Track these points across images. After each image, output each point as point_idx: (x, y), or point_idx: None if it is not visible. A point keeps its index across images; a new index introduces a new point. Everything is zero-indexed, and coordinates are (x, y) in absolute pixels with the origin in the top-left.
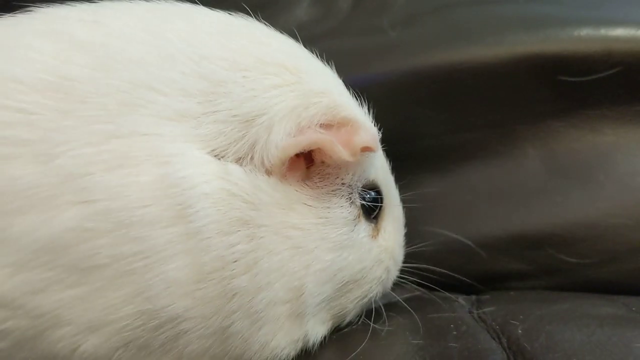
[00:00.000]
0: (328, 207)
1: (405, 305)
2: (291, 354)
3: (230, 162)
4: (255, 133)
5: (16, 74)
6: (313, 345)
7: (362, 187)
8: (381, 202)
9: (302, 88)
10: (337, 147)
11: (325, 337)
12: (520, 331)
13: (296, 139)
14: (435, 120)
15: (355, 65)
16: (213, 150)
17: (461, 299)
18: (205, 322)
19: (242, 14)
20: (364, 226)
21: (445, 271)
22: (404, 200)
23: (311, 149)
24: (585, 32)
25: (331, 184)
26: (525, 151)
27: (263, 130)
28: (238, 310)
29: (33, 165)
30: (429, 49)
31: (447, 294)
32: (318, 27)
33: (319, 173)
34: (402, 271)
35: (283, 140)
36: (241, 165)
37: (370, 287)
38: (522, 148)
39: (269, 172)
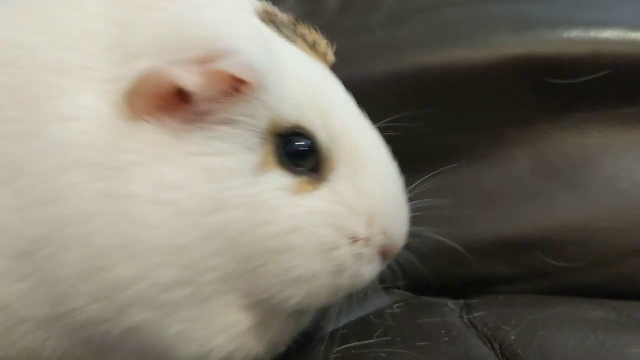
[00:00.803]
0: (211, 154)
1: (393, 310)
2: (228, 354)
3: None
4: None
5: None
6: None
7: (283, 132)
8: (313, 150)
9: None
10: (175, 73)
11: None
12: (512, 337)
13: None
14: (423, 121)
15: (342, 64)
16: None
17: (450, 303)
18: (104, 322)
19: None
20: (276, 178)
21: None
22: None
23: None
24: (574, 33)
25: (211, 124)
26: (513, 153)
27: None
28: (135, 303)
29: None
30: (417, 49)
31: (435, 298)
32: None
33: (195, 113)
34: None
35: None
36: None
37: (307, 261)
38: (510, 150)
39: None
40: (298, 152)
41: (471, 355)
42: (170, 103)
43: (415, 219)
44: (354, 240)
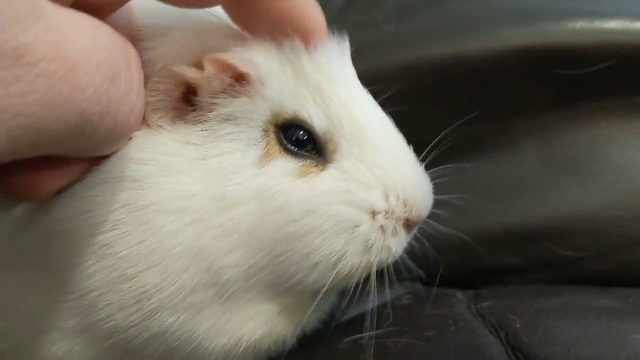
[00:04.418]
0: (217, 156)
1: (403, 302)
2: (256, 341)
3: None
4: None
5: None
6: (281, 331)
7: (282, 124)
8: (312, 138)
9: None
10: (182, 69)
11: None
12: (518, 325)
13: None
14: (431, 114)
15: None
16: None
17: (459, 294)
18: (131, 328)
19: None
20: (280, 165)
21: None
22: None
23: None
24: (579, 25)
25: (215, 123)
26: (521, 145)
27: None
28: (161, 310)
29: None
30: (423, 43)
31: (445, 289)
32: None
33: (198, 113)
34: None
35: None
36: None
37: (328, 243)
38: (518, 142)
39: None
40: (298, 141)
41: (477, 344)
42: (181, 108)
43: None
44: (374, 214)
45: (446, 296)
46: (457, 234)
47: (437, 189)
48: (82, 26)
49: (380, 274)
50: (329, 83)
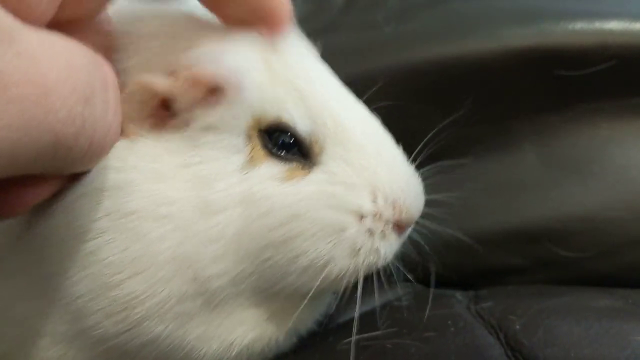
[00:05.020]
0: (200, 163)
1: (402, 302)
2: (248, 344)
3: None
4: None
5: None
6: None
7: (265, 128)
8: (296, 141)
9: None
10: (153, 81)
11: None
12: (518, 326)
13: None
14: (431, 115)
15: (349, 61)
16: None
17: (459, 295)
18: (121, 335)
19: None
20: (265, 169)
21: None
22: None
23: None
24: (579, 25)
25: (196, 132)
26: (521, 145)
27: None
28: (148, 318)
29: None
30: (423, 44)
31: (444, 290)
32: (311, 23)
33: (181, 123)
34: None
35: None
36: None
37: (315, 247)
38: (518, 142)
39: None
40: (283, 145)
41: (477, 345)
42: (160, 116)
43: (424, 213)
44: (361, 217)
45: (445, 297)
46: (457, 234)
47: (435, 188)
48: (56, 49)
49: (377, 275)
50: (307, 82)
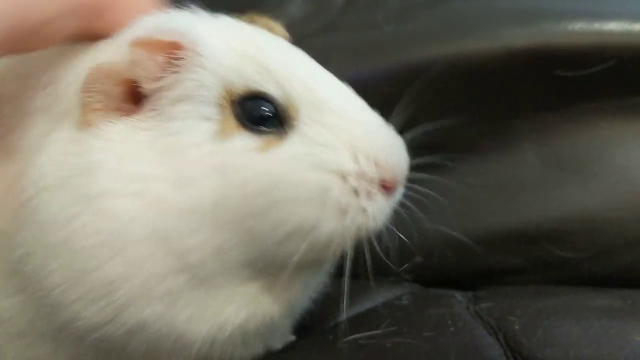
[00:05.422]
0: (169, 135)
1: (402, 302)
2: (241, 323)
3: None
4: None
5: None
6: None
7: (237, 99)
8: (272, 109)
9: None
10: (111, 61)
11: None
12: (517, 326)
13: None
14: (430, 115)
15: (349, 61)
16: None
17: (458, 295)
18: (105, 324)
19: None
20: (239, 140)
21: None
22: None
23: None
24: (579, 26)
25: (165, 107)
26: (520, 145)
27: None
28: (132, 302)
29: None
30: (423, 44)
31: (443, 290)
32: (311, 23)
33: (150, 101)
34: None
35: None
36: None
37: (299, 210)
38: (518, 142)
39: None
40: (259, 116)
41: (476, 345)
42: (128, 100)
43: (424, 213)
44: (344, 176)
45: (445, 297)
46: (456, 235)
47: (435, 189)
48: None
49: (376, 271)
50: (269, 52)
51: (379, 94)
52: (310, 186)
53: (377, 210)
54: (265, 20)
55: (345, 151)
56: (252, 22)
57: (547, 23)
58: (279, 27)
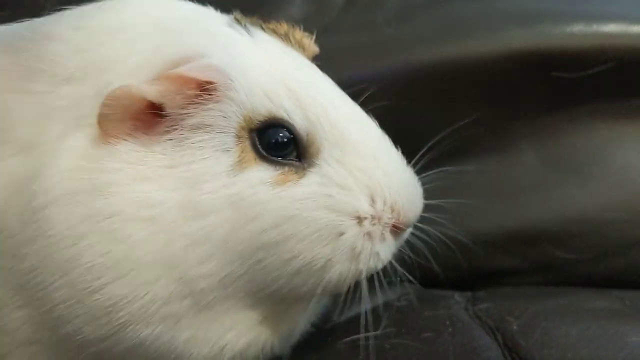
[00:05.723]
0: (186, 164)
1: (400, 302)
2: (241, 349)
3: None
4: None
5: None
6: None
7: (257, 127)
8: (292, 138)
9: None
10: (138, 87)
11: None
12: (515, 327)
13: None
14: (430, 116)
15: (349, 61)
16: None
17: (457, 296)
18: (104, 340)
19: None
20: (255, 173)
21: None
22: None
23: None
24: (578, 28)
25: (184, 132)
26: (520, 147)
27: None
28: (133, 322)
29: None
30: (423, 45)
31: (443, 291)
32: (311, 24)
33: (170, 125)
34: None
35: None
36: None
37: (309, 248)
38: (517, 143)
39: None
40: (277, 144)
41: (474, 346)
42: (147, 120)
43: (423, 213)
44: (360, 220)
45: (443, 298)
46: (455, 236)
47: (434, 192)
48: None
49: (371, 277)
50: (301, 83)
51: (379, 94)
52: (323, 226)
53: (387, 251)
54: (299, 34)
55: (364, 194)
56: (279, 32)
57: (546, 25)
58: (309, 42)
